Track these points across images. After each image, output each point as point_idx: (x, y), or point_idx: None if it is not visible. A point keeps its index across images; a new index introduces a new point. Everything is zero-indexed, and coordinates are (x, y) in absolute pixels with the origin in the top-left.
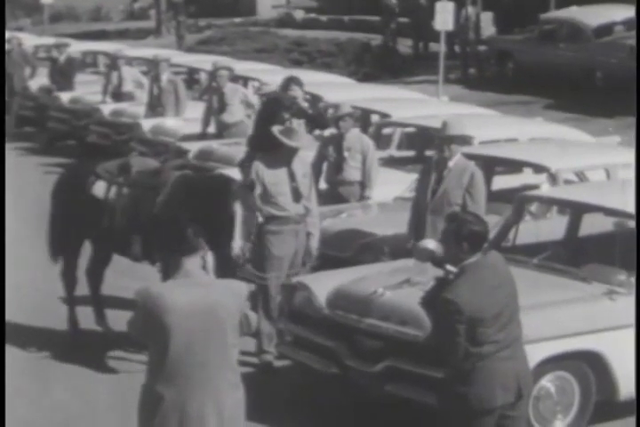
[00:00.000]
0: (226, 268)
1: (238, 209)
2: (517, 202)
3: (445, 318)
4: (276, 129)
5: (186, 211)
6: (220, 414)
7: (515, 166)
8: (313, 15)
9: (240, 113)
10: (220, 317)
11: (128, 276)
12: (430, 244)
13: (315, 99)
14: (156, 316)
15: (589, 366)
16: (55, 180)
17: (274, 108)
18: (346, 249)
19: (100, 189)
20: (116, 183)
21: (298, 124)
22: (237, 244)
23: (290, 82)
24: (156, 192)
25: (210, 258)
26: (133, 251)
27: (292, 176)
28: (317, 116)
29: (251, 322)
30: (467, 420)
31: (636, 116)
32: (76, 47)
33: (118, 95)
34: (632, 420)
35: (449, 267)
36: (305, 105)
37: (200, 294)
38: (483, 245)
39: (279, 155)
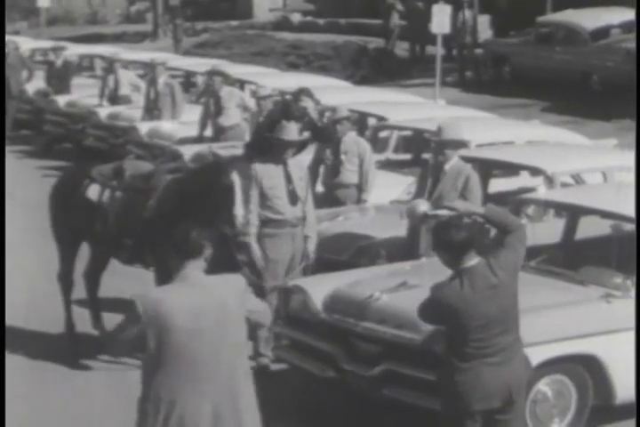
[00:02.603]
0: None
1: (236, 178)
2: (514, 205)
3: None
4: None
5: (180, 214)
6: (237, 414)
7: (511, 169)
8: (310, 18)
9: (237, 117)
10: (226, 314)
11: (124, 278)
12: (422, 204)
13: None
14: (158, 322)
15: (586, 370)
16: (53, 183)
17: (278, 117)
18: (342, 252)
19: (94, 192)
20: (109, 187)
21: (288, 122)
22: (240, 211)
23: (300, 93)
24: (148, 196)
25: None
26: (123, 254)
27: (288, 179)
28: (325, 129)
29: (254, 313)
30: (449, 420)
31: (636, 120)
32: (73, 50)
33: (115, 98)
34: (628, 423)
35: (440, 211)
36: (315, 117)
37: (201, 295)
38: (465, 253)
39: (274, 154)
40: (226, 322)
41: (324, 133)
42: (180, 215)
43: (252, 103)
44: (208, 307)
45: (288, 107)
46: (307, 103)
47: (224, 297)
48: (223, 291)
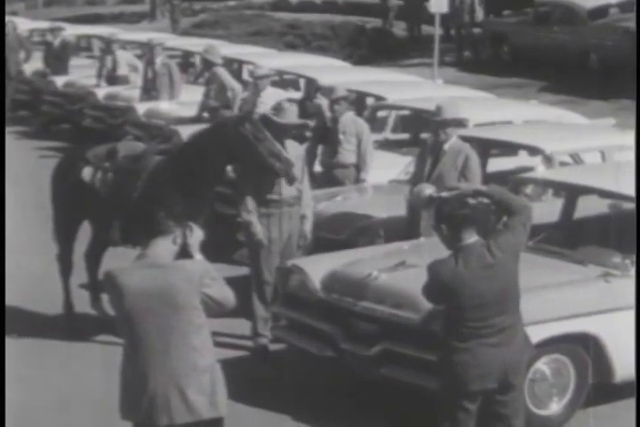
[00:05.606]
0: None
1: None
2: (512, 184)
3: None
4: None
5: (166, 194)
6: (185, 398)
7: (510, 149)
8: None
9: (218, 98)
10: (175, 299)
11: (125, 260)
12: (428, 188)
13: (310, 82)
14: (113, 297)
15: (585, 349)
16: (54, 164)
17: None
18: (341, 232)
19: (88, 173)
20: (101, 168)
21: (289, 104)
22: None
23: (317, 90)
24: (137, 177)
25: (196, 234)
26: (112, 235)
27: None
28: (329, 131)
29: (216, 299)
30: (446, 400)
31: (636, 99)
32: (71, 31)
33: (113, 79)
34: (627, 402)
35: (445, 194)
36: (328, 116)
37: (152, 276)
38: (465, 228)
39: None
40: (178, 306)
41: (325, 135)
42: (169, 195)
43: (234, 83)
44: (156, 289)
45: (303, 103)
46: (321, 101)
47: (170, 281)
48: (178, 274)
